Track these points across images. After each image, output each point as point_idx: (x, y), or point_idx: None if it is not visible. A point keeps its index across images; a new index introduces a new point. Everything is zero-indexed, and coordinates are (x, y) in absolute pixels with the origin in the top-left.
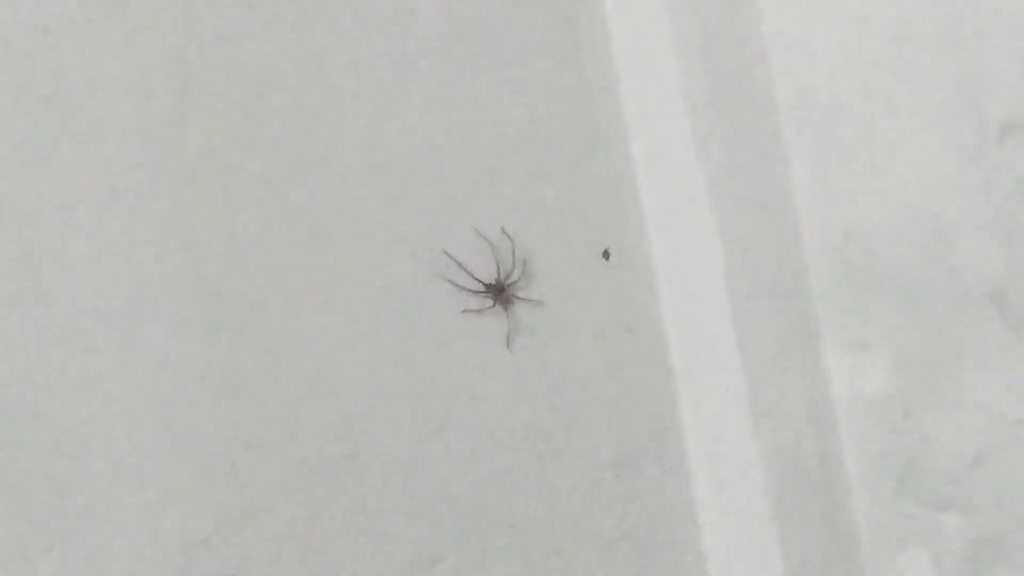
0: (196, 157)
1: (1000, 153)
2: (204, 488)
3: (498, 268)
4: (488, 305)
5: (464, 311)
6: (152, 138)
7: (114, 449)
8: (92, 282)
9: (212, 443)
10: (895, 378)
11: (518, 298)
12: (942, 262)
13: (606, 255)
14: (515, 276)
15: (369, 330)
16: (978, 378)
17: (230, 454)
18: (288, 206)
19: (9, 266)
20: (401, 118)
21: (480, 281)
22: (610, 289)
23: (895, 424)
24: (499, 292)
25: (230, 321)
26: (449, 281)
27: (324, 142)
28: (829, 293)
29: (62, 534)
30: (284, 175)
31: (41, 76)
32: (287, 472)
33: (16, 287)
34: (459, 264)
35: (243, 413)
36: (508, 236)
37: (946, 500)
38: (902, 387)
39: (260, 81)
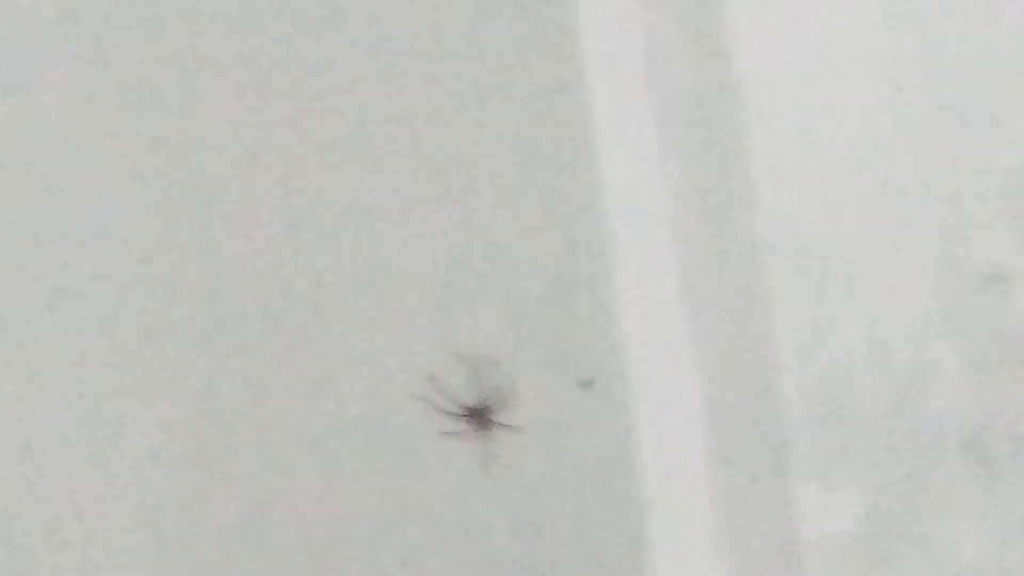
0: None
1: (981, 303)
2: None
3: (478, 392)
4: (467, 429)
5: (442, 433)
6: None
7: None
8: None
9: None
10: (866, 521)
11: (497, 423)
12: (918, 407)
13: (586, 385)
14: (494, 401)
15: (345, 450)
16: (949, 525)
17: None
18: (270, 322)
19: None
20: (383, 237)
21: (460, 405)
22: (588, 419)
23: (863, 568)
24: (478, 417)
25: (210, 439)
26: (429, 403)
27: (308, 263)
28: (805, 433)
29: None
30: (265, 294)
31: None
32: None
33: None
34: (439, 387)
35: (217, 539)
36: (490, 361)
37: None
38: (872, 530)
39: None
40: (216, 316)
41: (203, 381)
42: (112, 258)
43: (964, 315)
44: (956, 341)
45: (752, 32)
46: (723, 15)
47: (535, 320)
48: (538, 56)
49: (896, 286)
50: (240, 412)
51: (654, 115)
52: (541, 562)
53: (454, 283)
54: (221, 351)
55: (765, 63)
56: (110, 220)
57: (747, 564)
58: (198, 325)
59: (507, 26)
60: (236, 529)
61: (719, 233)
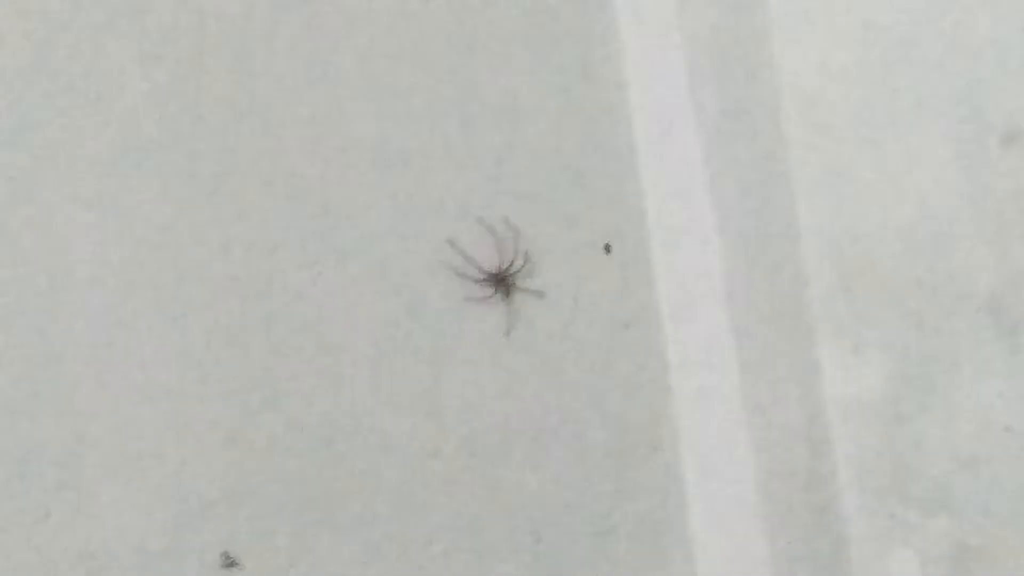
0: (203, 145)
1: (1001, 161)
2: (199, 464)
3: (500, 258)
4: (489, 294)
5: (466, 299)
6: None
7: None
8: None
9: (210, 421)
10: (889, 382)
11: (519, 288)
12: (939, 268)
13: (607, 249)
14: (517, 266)
15: (371, 314)
16: (971, 384)
17: (227, 432)
18: (296, 192)
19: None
20: (408, 110)
21: (482, 270)
22: (610, 283)
23: (887, 427)
24: (500, 282)
25: (233, 303)
26: (452, 269)
27: (331, 132)
28: (827, 295)
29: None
30: (291, 163)
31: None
32: (281, 447)
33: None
34: (462, 253)
35: (241, 388)
36: (512, 227)
37: (935, 503)
38: (896, 391)
39: (269, 75)
40: (237, 185)
41: (228, 257)
42: None
43: (984, 176)
44: (976, 203)
45: None
46: None
47: (557, 186)
48: None
49: (916, 147)
50: (264, 276)
51: None
52: (561, 423)
53: (478, 150)
54: (247, 218)
55: None
56: None
57: (771, 424)
58: (221, 196)
59: None
60: (262, 385)
61: (739, 98)
